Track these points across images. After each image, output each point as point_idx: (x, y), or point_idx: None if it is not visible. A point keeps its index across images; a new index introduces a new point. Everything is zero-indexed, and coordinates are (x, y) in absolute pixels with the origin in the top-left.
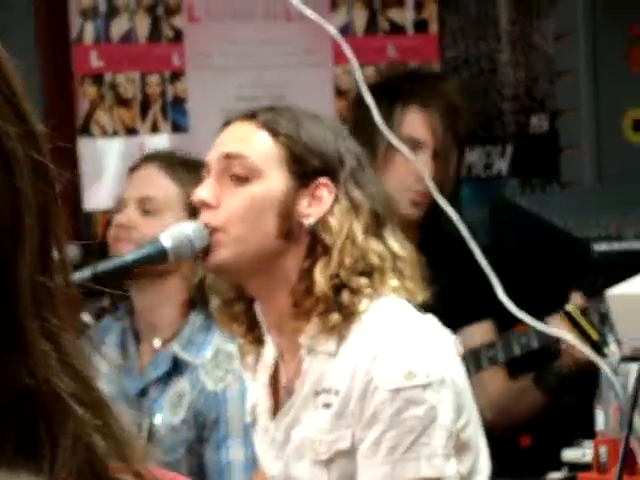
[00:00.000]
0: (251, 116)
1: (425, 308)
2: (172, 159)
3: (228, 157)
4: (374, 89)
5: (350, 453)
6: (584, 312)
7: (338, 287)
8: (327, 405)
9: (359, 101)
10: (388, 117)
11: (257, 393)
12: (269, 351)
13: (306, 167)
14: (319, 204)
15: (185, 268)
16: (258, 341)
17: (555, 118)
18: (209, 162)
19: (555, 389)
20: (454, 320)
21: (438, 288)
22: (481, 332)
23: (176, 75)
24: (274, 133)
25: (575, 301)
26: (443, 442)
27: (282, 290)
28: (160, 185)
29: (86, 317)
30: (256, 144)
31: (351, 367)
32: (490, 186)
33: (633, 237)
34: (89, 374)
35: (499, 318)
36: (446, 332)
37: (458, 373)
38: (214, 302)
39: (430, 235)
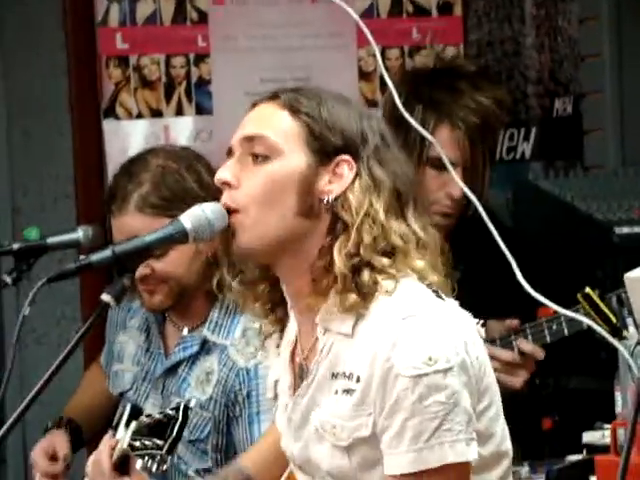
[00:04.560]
0: (274, 97)
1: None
2: None
3: (249, 139)
4: (407, 82)
5: (370, 440)
6: (603, 295)
7: (358, 266)
8: (348, 391)
9: (390, 116)
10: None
11: (279, 369)
12: (292, 327)
13: (326, 144)
14: (339, 181)
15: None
16: (280, 321)
17: (579, 101)
18: (232, 145)
19: None
20: (476, 309)
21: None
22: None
23: (201, 57)
24: (294, 112)
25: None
26: (464, 427)
27: (303, 269)
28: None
29: (106, 297)
30: (276, 123)
31: (370, 353)
32: (514, 169)
33: None
34: None
35: (522, 303)
36: (467, 316)
37: (480, 356)
38: (235, 284)
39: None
